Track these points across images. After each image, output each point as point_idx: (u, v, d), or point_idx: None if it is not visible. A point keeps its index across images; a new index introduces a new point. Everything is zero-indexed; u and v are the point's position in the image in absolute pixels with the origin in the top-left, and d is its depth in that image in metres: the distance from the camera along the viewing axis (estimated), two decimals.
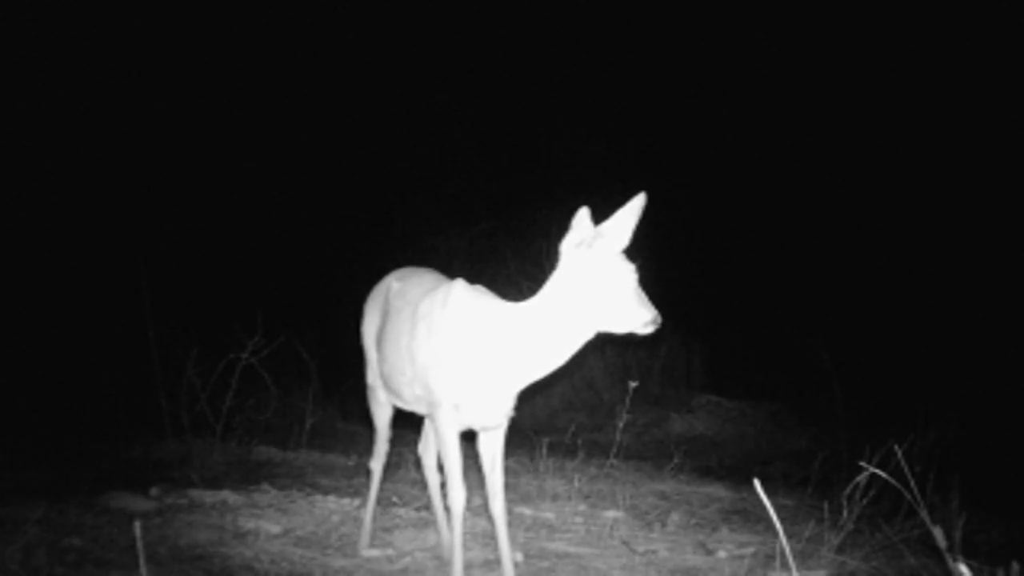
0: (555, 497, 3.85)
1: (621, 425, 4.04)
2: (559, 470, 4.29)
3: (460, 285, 2.60)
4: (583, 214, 2.47)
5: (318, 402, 5.07)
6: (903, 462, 2.39)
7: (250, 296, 5.19)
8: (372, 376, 2.96)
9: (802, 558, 3.02)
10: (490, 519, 2.73)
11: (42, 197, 6.76)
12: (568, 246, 2.45)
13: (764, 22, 8.14)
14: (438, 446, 2.62)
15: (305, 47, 8.15)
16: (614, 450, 4.16)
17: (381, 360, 2.85)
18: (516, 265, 6.53)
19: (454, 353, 2.50)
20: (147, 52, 7.52)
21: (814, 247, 7.72)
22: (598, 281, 2.39)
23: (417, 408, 2.80)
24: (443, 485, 2.74)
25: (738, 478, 4.44)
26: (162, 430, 4.48)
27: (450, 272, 2.90)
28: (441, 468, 2.76)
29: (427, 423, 3.01)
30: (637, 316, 2.41)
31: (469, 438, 2.73)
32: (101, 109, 7.26)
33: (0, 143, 6.55)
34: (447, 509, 2.63)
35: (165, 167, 7.42)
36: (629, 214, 2.41)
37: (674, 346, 6.65)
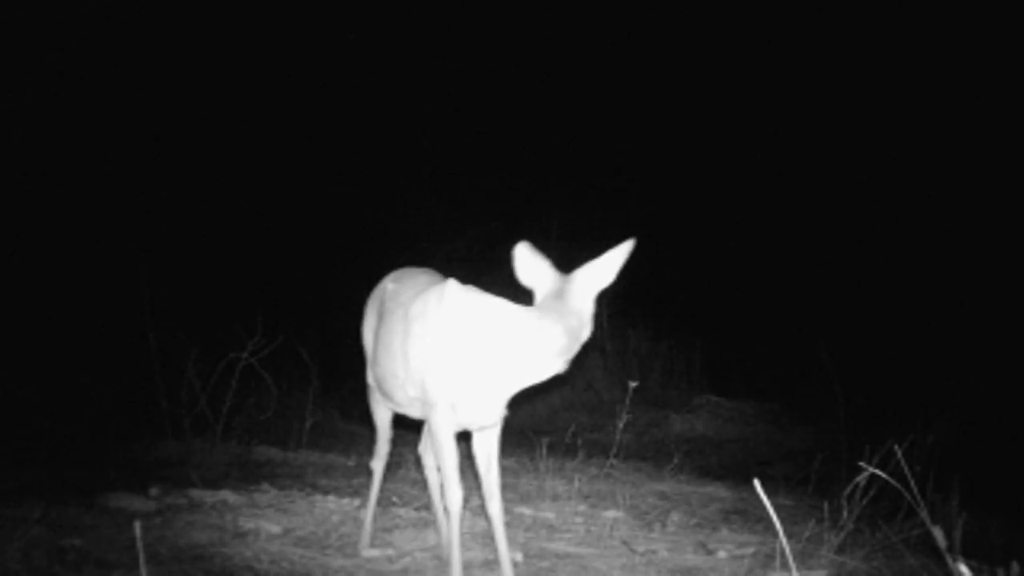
0: (555, 497, 3.85)
1: (621, 425, 4.04)
2: (559, 470, 4.29)
3: (453, 284, 2.59)
4: (525, 252, 2.53)
5: (318, 402, 5.07)
6: (903, 462, 2.39)
7: (250, 296, 5.20)
8: (372, 376, 2.96)
9: (802, 558, 3.02)
10: (488, 520, 2.72)
11: (41, 197, 6.75)
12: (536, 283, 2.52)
13: (767, 18, 8.15)
14: (434, 446, 2.62)
15: (306, 48, 8.15)
16: (614, 450, 4.16)
17: (375, 363, 2.85)
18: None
19: (451, 352, 2.49)
20: (148, 52, 7.52)
21: (814, 247, 7.72)
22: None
23: (410, 411, 2.78)
24: (443, 485, 2.74)
25: (738, 478, 4.44)
26: (162, 430, 4.48)
27: (450, 274, 2.90)
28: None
29: (426, 423, 3.01)
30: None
31: (465, 438, 2.73)
32: (101, 109, 7.26)
33: (1, 144, 6.56)
34: (445, 509, 2.63)
35: (165, 167, 7.42)
36: (606, 263, 2.50)
37: (674, 346, 6.65)
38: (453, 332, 2.50)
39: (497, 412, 2.60)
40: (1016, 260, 6.63)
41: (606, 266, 2.48)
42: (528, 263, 2.55)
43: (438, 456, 2.60)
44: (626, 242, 2.50)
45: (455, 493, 2.57)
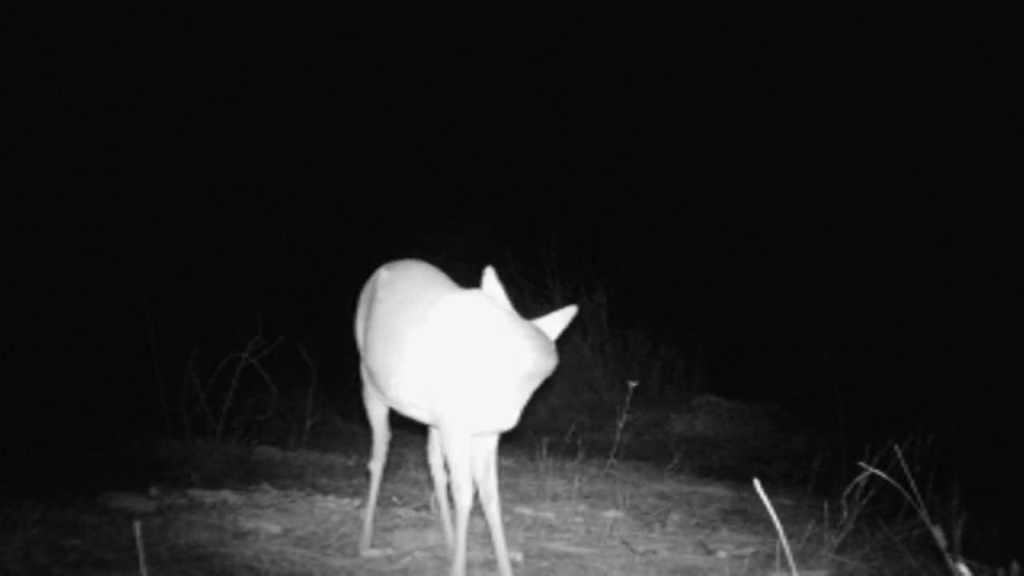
0: (555, 497, 3.85)
1: (621, 425, 4.04)
2: (559, 470, 4.28)
3: (483, 297, 2.59)
4: (491, 278, 2.61)
5: (318, 402, 5.06)
6: (903, 462, 2.39)
7: (250, 296, 5.20)
8: (364, 370, 2.93)
9: (802, 558, 3.02)
10: (486, 521, 2.71)
11: (42, 197, 6.76)
12: None
13: (769, 17, 8.15)
14: (446, 446, 2.59)
15: (305, 47, 8.15)
16: (614, 450, 4.16)
17: (368, 355, 2.81)
18: (516, 265, 6.53)
19: (479, 364, 2.48)
20: (147, 54, 7.52)
21: (815, 247, 7.72)
22: None
23: (408, 411, 2.75)
24: (449, 486, 2.73)
25: (738, 478, 4.44)
26: (162, 430, 4.48)
27: (450, 272, 2.89)
28: (447, 467, 2.74)
29: (434, 423, 2.99)
30: None
31: None
32: (101, 111, 7.26)
33: (1, 144, 6.56)
34: (454, 507, 2.62)
35: (165, 167, 7.43)
36: (548, 326, 2.63)
37: (674, 346, 6.65)
38: (482, 345, 2.48)
39: (517, 415, 2.60)
40: (1016, 261, 6.63)
41: (548, 328, 2.61)
42: (491, 289, 2.62)
43: (450, 456, 2.57)
44: (569, 309, 2.66)
45: (466, 492, 2.56)
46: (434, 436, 3.01)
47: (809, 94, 8.14)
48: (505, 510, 3.38)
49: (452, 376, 2.51)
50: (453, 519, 2.78)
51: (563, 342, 2.69)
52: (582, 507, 3.69)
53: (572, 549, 3.13)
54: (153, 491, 3.58)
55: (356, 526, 3.23)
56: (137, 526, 2.12)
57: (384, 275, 2.86)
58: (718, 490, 4.18)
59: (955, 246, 7.29)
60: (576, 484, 3.93)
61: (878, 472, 2.37)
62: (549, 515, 3.54)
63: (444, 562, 2.90)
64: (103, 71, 7.29)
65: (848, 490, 3.07)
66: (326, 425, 5.33)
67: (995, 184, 7.34)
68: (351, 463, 4.49)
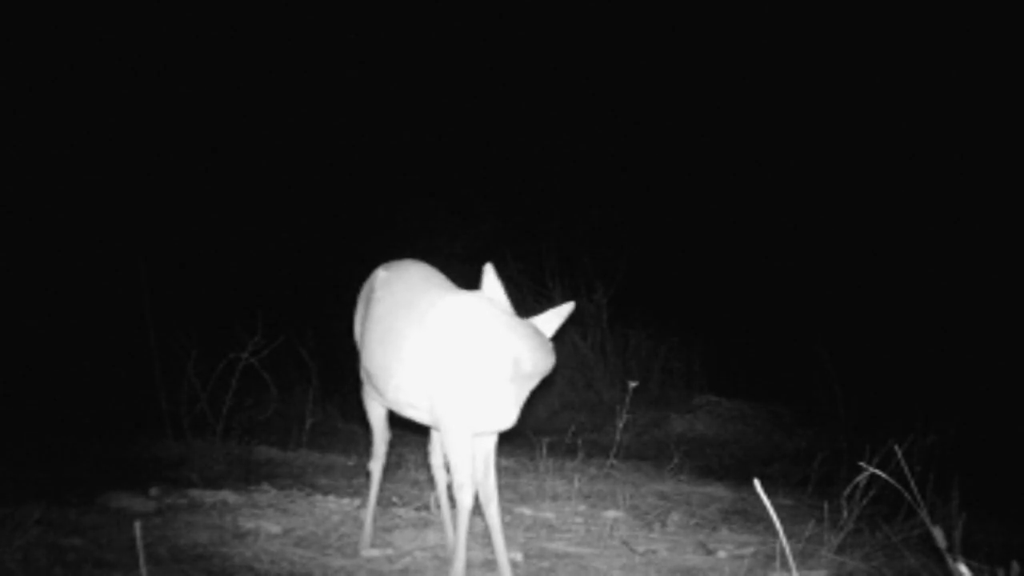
0: (555, 497, 3.85)
1: (621, 425, 4.04)
2: (559, 470, 4.28)
3: (481, 299, 2.59)
4: (490, 274, 2.64)
5: (318, 402, 5.07)
6: (903, 462, 2.40)
7: (250, 296, 5.20)
8: (363, 371, 2.92)
9: (802, 558, 3.02)
10: (486, 521, 2.71)
11: (42, 196, 6.76)
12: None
13: (767, 15, 8.15)
14: (445, 444, 2.59)
15: (305, 46, 8.16)
16: (614, 450, 4.16)
17: (366, 356, 2.80)
18: (516, 266, 6.53)
19: (477, 365, 2.48)
20: (146, 51, 7.52)
21: (814, 247, 7.73)
22: None
23: (405, 412, 2.75)
24: (451, 486, 2.73)
25: (738, 478, 4.44)
26: (162, 430, 4.48)
27: (450, 272, 2.89)
28: (448, 467, 2.74)
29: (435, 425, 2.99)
30: None
31: None
32: (101, 108, 7.26)
33: (1, 144, 6.56)
34: (454, 507, 2.61)
35: (165, 167, 7.43)
36: (544, 324, 2.64)
37: (674, 346, 6.64)
38: (481, 346, 2.48)
39: (516, 415, 2.60)
40: (1016, 260, 6.63)
41: (544, 325, 2.61)
42: (490, 286, 2.64)
43: (452, 456, 2.57)
44: (565, 305, 2.68)
45: (468, 491, 2.56)
46: (435, 436, 3.01)
47: (808, 94, 8.14)
48: (505, 510, 3.38)
49: (451, 377, 2.51)
50: (454, 519, 2.78)
51: (563, 342, 2.70)
52: (582, 507, 3.69)
53: (572, 549, 3.13)
54: (153, 491, 3.58)
55: (356, 526, 3.23)
56: (137, 526, 2.12)
57: (382, 275, 2.85)
58: (718, 490, 4.18)
59: (954, 246, 7.29)
60: (576, 484, 3.93)
61: (878, 472, 2.38)
62: (549, 515, 3.54)
63: (444, 562, 2.90)
64: (102, 71, 7.29)
65: (848, 490, 3.07)
66: (326, 425, 5.34)
67: (994, 184, 7.34)
68: (351, 463, 4.49)
